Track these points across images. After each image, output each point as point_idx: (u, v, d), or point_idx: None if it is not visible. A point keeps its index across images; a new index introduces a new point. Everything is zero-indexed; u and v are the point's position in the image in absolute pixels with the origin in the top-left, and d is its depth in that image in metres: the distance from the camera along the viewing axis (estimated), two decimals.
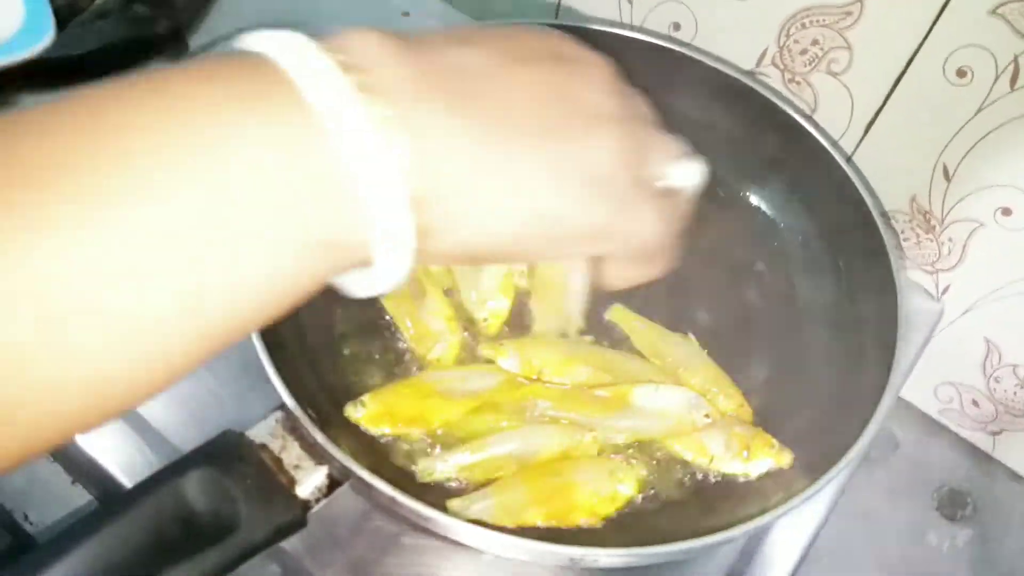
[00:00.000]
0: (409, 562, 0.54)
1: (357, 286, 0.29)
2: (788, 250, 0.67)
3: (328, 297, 0.59)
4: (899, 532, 0.77)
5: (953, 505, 0.78)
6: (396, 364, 0.58)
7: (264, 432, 0.48)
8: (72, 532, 0.42)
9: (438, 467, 0.53)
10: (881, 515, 0.78)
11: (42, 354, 0.22)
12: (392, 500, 0.45)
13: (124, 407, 0.25)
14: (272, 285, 0.25)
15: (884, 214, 0.73)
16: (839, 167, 0.64)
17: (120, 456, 0.57)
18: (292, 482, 0.47)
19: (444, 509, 0.51)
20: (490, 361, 0.57)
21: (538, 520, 0.51)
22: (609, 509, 0.52)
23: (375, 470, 0.51)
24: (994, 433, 0.78)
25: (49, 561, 0.40)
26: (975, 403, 0.77)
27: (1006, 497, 0.78)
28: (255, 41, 0.26)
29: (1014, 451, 0.78)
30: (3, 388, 0.22)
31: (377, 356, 0.58)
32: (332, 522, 0.55)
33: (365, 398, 0.54)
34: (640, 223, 0.31)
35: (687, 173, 0.34)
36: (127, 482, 0.56)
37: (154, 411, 0.58)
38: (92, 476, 0.58)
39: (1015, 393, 0.74)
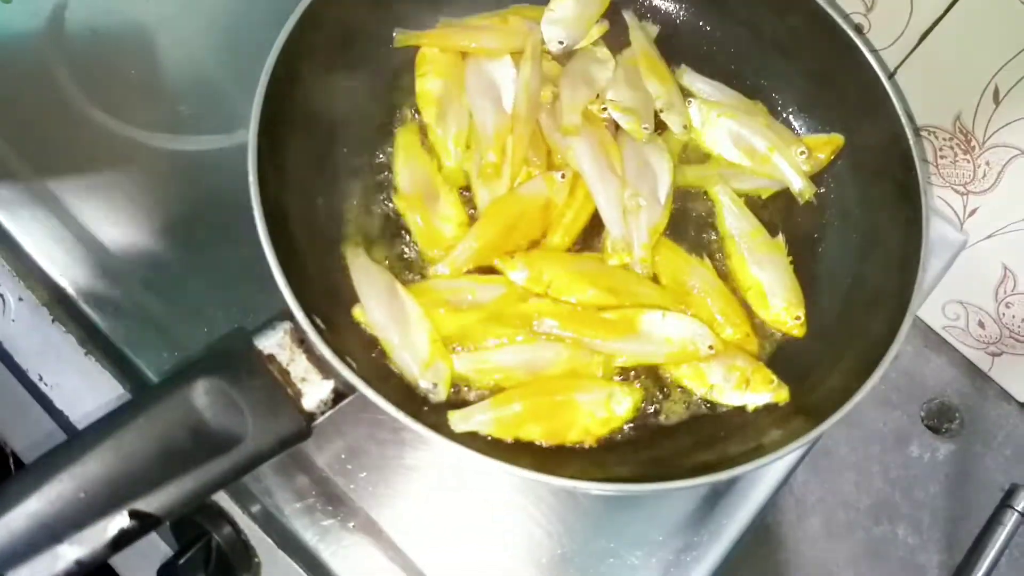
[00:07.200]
0: (395, 454, 0.56)
1: None
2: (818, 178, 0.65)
3: (338, 195, 0.59)
4: (883, 439, 0.79)
5: (941, 418, 0.80)
6: (406, 268, 0.58)
7: (273, 343, 0.48)
8: (79, 442, 0.43)
9: None
10: (869, 421, 0.80)
11: None
12: (395, 420, 0.46)
13: None
14: None
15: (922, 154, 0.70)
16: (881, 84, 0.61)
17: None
18: (299, 394, 0.47)
19: (445, 419, 0.52)
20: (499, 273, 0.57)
21: (535, 436, 0.53)
22: (604, 430, 0.54)
23: (378, 375, 0.52)
24: (994, 355, 0.78)
25: (50, 473, 0.42)
26: (981, 324, 0.77)
27: (994, 416, 0.79)
28: None
29: (1011, 374, 0.78)
30: None
31: (387, 260, 0.57)
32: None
33: None
34: None
35: None
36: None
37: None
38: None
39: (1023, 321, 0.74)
